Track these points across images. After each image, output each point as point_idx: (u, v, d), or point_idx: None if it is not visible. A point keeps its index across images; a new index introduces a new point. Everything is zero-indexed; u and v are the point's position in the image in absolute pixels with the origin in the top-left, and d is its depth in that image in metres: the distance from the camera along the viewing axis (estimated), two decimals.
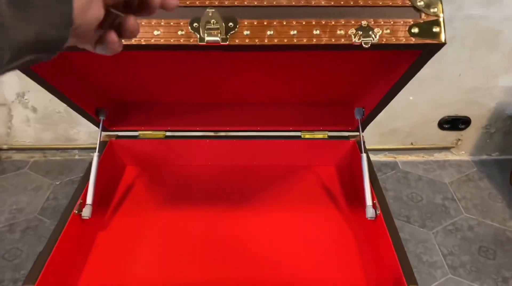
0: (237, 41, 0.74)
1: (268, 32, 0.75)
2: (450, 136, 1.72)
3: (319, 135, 1.15)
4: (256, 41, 0.74)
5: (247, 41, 0.74)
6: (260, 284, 0.92)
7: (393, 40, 0.75)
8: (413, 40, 0.75)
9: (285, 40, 0.75)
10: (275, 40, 0.75)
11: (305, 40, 0.75)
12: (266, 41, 0.75)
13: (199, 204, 1.10)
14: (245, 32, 0.74)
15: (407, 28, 0.75)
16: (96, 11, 0.34)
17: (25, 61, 0.31)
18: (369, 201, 0.97)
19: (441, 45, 0.75)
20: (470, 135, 1.71)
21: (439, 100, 1.60)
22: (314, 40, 0.75)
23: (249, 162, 1.20)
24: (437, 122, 1.67)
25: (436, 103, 1.61)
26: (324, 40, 0.75)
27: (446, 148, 1.76)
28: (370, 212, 0.97)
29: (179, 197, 1.12)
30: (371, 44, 0.74)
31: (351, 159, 1.19)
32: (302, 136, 1.16)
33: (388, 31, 0.75)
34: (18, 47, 0.28)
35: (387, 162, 1.77)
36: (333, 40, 0.75)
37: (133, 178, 1.17)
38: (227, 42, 0.74)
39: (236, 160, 1.20)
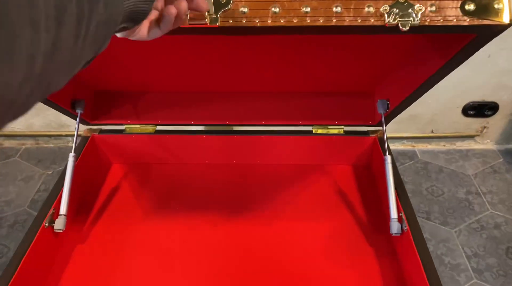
0: (230, 21, 0.54)
1: (273, 9, 0.54)
2: (474, 123, 1.50)
3: (334, 130, 0.95)
4: (257, 21, 0.54)
5: (244, 21, 0.54)
6: None
7: (440, 21, 0.53)
8: (466, 21, 0.53)
9: (295, 21, 0.54)
10: (282, 21, 0.54)
11: (321, 21, 0.54)
12: (269, 21, 0.54)
13: (194, 209, 0.91)
14: (242, 10, 0.54)
15: (459, 4, 0.53)
16: None
17: (121, 27, 0.39)
18: (394, 213, 0.78)
19: (503, 27, 0.54)
20: (497, 122, 1.50)
21: (464, 84, 1.39)
22: (334, 20, 0.54)
23: (252, 160, 1.01)
24: (461, 108, 1.45)
25: (461, 88, 1.40)
26: (347, 21, 0.54)
27: (470, 137, 1.54)
28: (395, 228, 0.77)
29: (172, 201, 0.93)
30: (410, 26, 0.53)
31: (371, 158, 0.98)
32: (314, 132, 0.95)
33: (434, 8, 0.53)
34: (123, 14, 0.36)
35: (405, 151, 1.56)
36: (359, 21, 0.54)
37: (119, 178, 0.98)
38: (217, 24, 0.53)
39: (237, 159, 1.00)
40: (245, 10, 0.54)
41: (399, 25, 0.53)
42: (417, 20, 0.53)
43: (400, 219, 0.78)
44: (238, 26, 0.54)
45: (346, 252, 0.82)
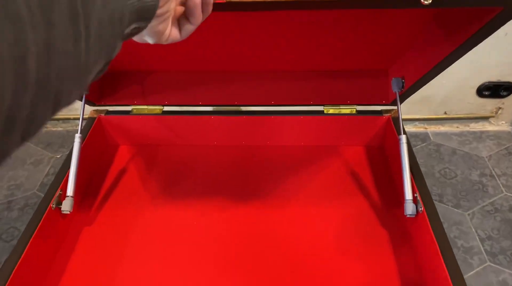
0: None
1: None
2: (489, 104, 1.45)
3: (346, 109, 0.91)
4: None
5: None
6: None
7: None
8: None
9: None
10: None
11: None
12: None
13: (202, 191, 0.88)
14: None
15: None
16: None
17: (132, 29, 0.34)
18: (408, 194, 0.75)
19: None
20: None
21: (480, 64, 1.33)
22: None
23: (261, 142, 0.97)
24: (475, 88, 1.40)
25: (476, 67, 1.34)
26: None
27: (484, 118, 1.49)
28: (410, 209, 0.74)
29: (180, 183, 0.90)
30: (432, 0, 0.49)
31: (384, 138, 0.95)
32: (325, 112, 0.92)
33: None
34: (129, 12, 0.31)
35: (417, 133, 1.52)
36: None
37: (126, 160, 0.96)
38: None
39: (246, 140, 0.97)
40: None
41: None
42: None
43: (415, 200, 0.75)
44: (247, 2, 0.50)
45: (359, 235, 0.79)
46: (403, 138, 0.78)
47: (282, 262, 0.75)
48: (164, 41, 0.40)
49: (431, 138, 1.50)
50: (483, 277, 1.14)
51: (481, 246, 1.20)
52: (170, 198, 0.87)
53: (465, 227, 1.25)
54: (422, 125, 1.52)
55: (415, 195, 0.75)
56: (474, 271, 1.15)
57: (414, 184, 0.76)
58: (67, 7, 0.24)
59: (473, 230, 1.24)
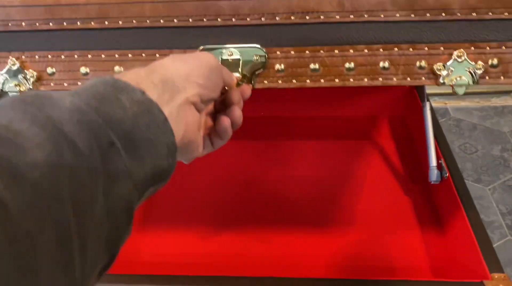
0: (265, 82, 0.49)
1: (312, 67, 0.49)
2: None
3: None
4: (294, 81, 0.49)
5: (280, 82, 0.49)
6: (292, 261, 0.72)
7: (501, 79, 0.48)
8: None
9: (337, 80, 0.49)
10: (322, 81, 0.49)
11: (366, 80, 0.49)
12: (308, 81, 0.49)
13: (220, 165, 0.89)
14: (278, 67, 0.49)
15: None
16: (191, 117, 0.35)
17: (148, 193, 0.30)
18: (433, 161, 0.74)
19: None
20: None
21: None
22: (380, 79, 0.49)
23: (280, 113, 0.97)
24: None
25: None
26: (395, 80, 0.49)
27: (506, 92, 1.47)
28: (434, 175, 0.73)
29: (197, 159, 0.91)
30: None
31: (408, 108, 0.93)
32: None
33: (495, 61, 0.48)
34: (141, 186, 0.28)
35: (437, 108, 1.50)
36: (409, 79, 0.49)
37: None
38: (253, 87, 0.49)
39: (264, 111, 0.97)
40: (281, 67, 0.49)
41: (453, 88, 0.48)
42: (475, 80, 0.48)
43: (439, 167, 0.74)
44: (273, 88, 0.50)
45: (381, 205, 0.79)
46: (427, 105, 0.78)
47: (294, 227, 0.75)
48: (199, 156, 0.41)
49: (451, 113, 1.49)
50: (504, 251, 1.13)
51: (502, 220, 1.19)
52: (188, 173, 0.87)
53: (486, 202, 1.24)
54: (441, 100, 1.50)
55: (439, 161, 0.74)
56: (494, 245, 1.14)
57: (439, 150, 0.75)
58: (53, 234, 0.21)
59: (494, 204, 1.23)
